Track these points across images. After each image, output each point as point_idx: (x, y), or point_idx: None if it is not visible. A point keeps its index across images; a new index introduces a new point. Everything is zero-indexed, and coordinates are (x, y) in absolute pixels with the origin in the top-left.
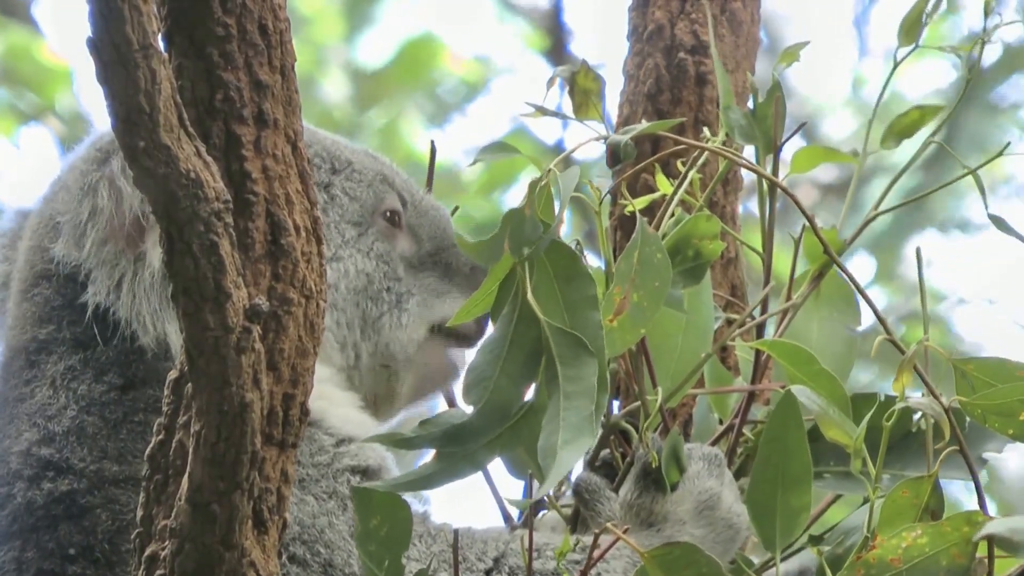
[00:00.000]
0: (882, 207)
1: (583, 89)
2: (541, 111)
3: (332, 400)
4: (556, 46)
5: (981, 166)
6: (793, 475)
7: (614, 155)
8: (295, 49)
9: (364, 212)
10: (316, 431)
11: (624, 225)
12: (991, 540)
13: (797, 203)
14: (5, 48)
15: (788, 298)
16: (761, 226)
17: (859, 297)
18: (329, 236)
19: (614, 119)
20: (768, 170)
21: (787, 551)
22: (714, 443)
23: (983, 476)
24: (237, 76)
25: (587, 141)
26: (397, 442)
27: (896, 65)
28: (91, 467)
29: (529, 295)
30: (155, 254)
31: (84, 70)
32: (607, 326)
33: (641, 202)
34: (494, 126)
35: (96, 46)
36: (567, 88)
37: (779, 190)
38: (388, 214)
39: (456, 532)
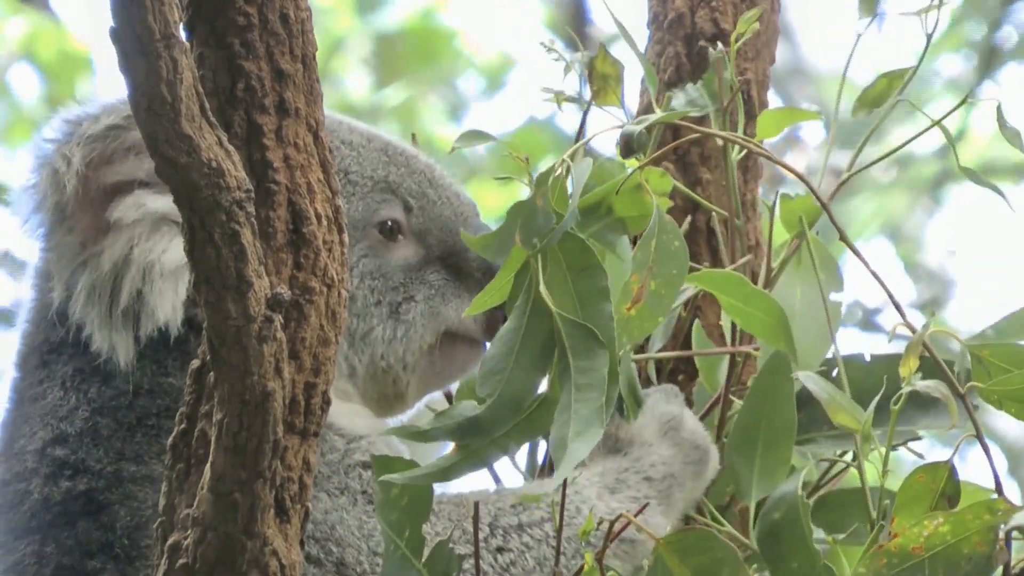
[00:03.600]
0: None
1: (602, 74)
2: (560, 97)
3: (338, 411)
4: (577, 34)
5: (946, 116)
6: (777, 427)
7: (628, 145)
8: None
9: (349, 227)
10: (327, 431)
11: None
12: (1010, 532)
13: (787, 167)
14: (24, 34)
15: (768, 264)
16: (731, 192)
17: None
18: None
19: (635, 108)
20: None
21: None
22: (705, 415)
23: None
24: (258, 65)
25: (603, 131)
26: (413, 435)
27: (859, 37)
28: (109, 468)
29: (542, 287)
30: (107, 257)
31: (104, 57)
32: (624, 314)
33: None
34: (514, 115)
35: (118, 36)
36: (586, 74)
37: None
38: (387, 224)
39: (476, 505)
